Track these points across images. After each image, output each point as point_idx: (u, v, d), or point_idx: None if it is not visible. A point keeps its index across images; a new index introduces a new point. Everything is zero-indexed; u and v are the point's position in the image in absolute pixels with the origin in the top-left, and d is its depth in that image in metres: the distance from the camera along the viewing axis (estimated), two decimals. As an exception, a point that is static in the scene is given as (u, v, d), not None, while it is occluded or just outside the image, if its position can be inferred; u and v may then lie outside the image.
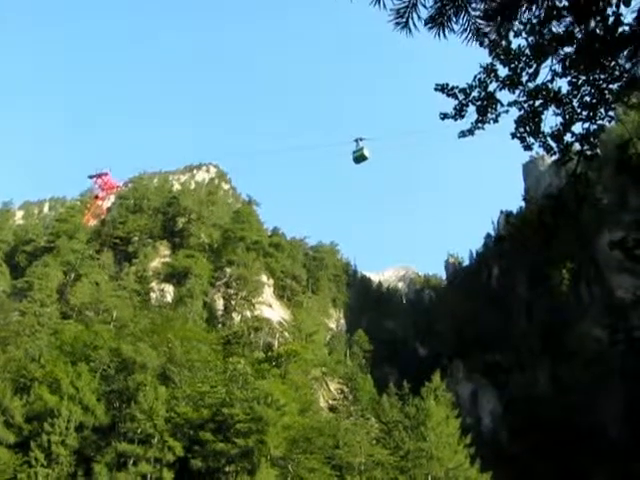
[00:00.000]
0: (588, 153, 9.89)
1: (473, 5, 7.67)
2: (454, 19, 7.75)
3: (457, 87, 9.70)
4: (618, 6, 7.67)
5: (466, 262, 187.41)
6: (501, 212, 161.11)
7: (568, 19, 8.34)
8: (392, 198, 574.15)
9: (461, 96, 9.72)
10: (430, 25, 7.66)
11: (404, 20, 7.38)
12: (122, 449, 58.99)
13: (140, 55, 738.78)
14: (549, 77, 9.38)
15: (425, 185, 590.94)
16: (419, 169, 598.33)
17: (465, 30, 7.95)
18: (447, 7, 7.62)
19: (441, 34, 7.79)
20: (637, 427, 79.47)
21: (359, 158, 52.98)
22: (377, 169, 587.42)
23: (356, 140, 52.92)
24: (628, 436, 78.69)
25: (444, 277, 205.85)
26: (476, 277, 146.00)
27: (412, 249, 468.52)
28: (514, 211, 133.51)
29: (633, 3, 7.58)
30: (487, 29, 8.06)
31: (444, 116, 9.96)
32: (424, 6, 7.15)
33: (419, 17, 7.42)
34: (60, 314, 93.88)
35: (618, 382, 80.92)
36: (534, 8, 7.76)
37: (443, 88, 9.76)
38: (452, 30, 7.85)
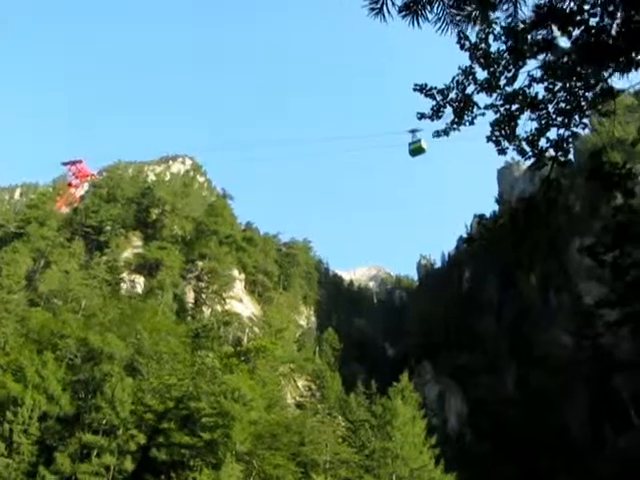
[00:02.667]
0: (561, 159, 10.01)
1: None
2: (428, 8, 7.74)
3: (435, 88, 9.75)
4: (602, 18, 7.78)
5: (438, 264, 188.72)
6: (474, 216, 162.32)
7: (551, 26, 8.43)
8: (366, 198, 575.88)
9: (439, 97, 9.77)
10: (404, 13, 7.63)
11: (378, 6, 7.35)
12: (86, 440, 58.36)
13: (119, 47, 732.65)
14: (527, 82, 9.48)
15: (400, 186, 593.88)
16: (394, 170, 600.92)
17: (439, 19, 7.95)
18: None
19: (415, 22, 7.77)
20: (600, 429, 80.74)
21: (416, 151, 50.17)
22: (352, 167, 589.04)
23: (412, 131, 49.70)
24: (591, 438, 79.91)
25: (416, 278, 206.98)
26: (447, 279, 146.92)
27: (385, 249, 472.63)
28: (487, 215, 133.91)
29: (617, 15, 7.69)
30: (459, 18, 8.07)
31: (421, 116, 10.02)
32: None
33: (393, 4, 7.39)
34: (28, 301, 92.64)
35: (583, 386, 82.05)
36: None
37: (422, 88, 9.81)
38: (426, 19, 7.83)
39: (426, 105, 9.89)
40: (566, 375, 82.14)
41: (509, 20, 7.93)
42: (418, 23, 7.77)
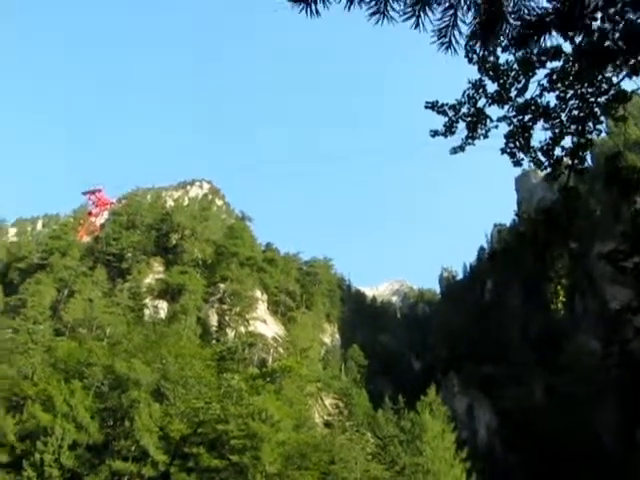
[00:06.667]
0: (578, 167, 9.91)
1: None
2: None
3: (447, 104, 9.73)
4: (603, 21, 7.72)
5: (460, 276, 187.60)
6: (494, 225, 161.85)
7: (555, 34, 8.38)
8: (386, 213, 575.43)
9: (451, 113, 9.75)
10: (472, 42, 7.47)
11: (447, 40, 7.18)
12: (116, 467, 58.50)
13: (134, 69, 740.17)
14: (537, 92, 9.42)
15: (420, 199, 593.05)
16: (414, 183, 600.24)
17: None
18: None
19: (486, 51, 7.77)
20: (631, 437, 79.46)
21: None
22: (369, 183, 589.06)
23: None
24: (623, 446, 78.63)
25: (438, 291, 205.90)
26: (470, 290, 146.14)
27: (406, 263, 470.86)
28: (507, 224, 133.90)
29: (617, 18, 7.63)
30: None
31: (434, 133, 9.98)
32: (463, 22, 6.93)
33: (460, 33, 7.22)
34: (53, 331, 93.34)
35: (613, 393, 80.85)
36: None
37: (433, 105, 9.80)
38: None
39: (437, 120, 9.89)
40: (595, 382, 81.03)
41: (515, 30, 7.86)
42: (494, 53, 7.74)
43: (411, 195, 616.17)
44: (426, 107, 9.81)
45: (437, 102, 9.78)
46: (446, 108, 9.73)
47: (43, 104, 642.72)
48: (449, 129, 9.85)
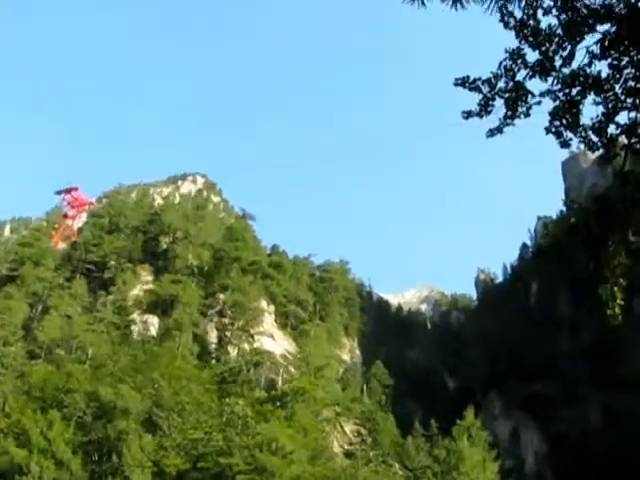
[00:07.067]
0: (636, 147, 9.82)
1: None
2: None
3: (480, 79, 9.63)
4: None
5: (499, 278, 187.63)
6: (538, 218, 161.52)
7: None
8: (410, 208, 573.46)
9: (485, 89, 9.65)
10: None
11: None
12: (103, 509, 58.79)
13: (119, 52, 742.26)
14: (586, 60, 9.33)
15: (448, 192, 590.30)
16: (439, 175, 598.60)
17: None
18: None
19: (456, 5, 7.71)
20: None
21: None
22: (391, 176, 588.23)
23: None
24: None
25: (474, 296, 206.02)
26: (512, 295, 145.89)
27: (436, 265, 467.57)
28: (553, 216, 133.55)
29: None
30: None
31: (467, 114, 9.90)
32: None
33: None
34: (27, 353, 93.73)
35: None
36: None
37: (464, 81, 9.70)
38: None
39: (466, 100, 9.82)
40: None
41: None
42: (462, 5, 7.71)
43: (439, 187, 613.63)
44: (456, 84, 9.71)
45: (468, 77, 9.69)
46: (479, 83, 9.62)
47: (9, 92, 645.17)
48: (484, 108, 9.76)
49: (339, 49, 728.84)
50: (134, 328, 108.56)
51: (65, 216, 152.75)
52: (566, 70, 9.46)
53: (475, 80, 9.61)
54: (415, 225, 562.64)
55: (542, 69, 9.46)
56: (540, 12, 8.87)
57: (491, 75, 9.55)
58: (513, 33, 9.25)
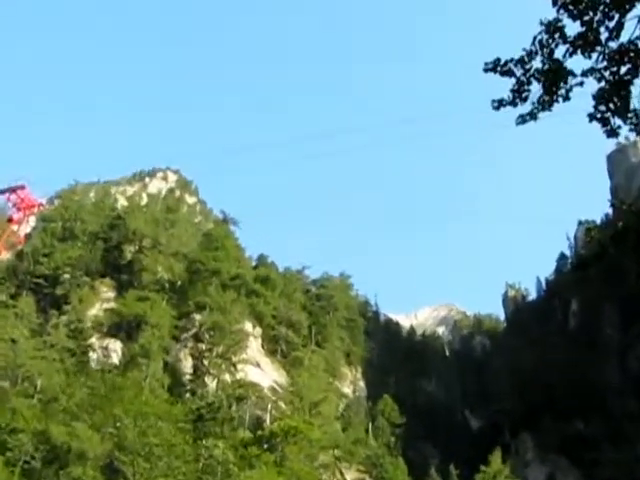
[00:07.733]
0: (699, 135, 9.82)
1: None
2: None
3: (512, 60, 9.53)
4: None
5: (532, 295, 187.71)
6: (580, 223, 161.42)
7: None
8: (424, 213, 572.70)
9: (519, 71, 9.55)
10: None
11: None
12: None
13: (79, 32, 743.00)
14: (637, 32, 9.30)
15: (470, 193, 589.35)
16: (458, 172, 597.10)
17: None
18: None
19: None
20: None
21: None
22: (400, 179, 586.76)
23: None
24: None
25: (502, 317, 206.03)
26: (547, 315, 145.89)
27: (455, 281, 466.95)
28: (597, 221, 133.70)
29: None
30: None
31: (499, 103, 9.86)
32: None
33: None
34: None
35: None
36: None
37: (495, 66, 9.62)
38: None
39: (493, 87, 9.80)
40: None
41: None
42: None
43: (459, 188, 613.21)
44: (486, 70, 9.68)
45: (499, 60, 9.60)
46: (512, 65, 9.51)
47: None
48: (519, 94, 9.67)
49: (339, 49, 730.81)
50: (92, 355, 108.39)
51: (10, 220, 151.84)
52: (613, 44, 9.44)
53: (507, 62, 9.53)
54: (430, 233, 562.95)
55: (584, 43, 9.43)
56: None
57: (524, 53, 9.44)
58: (549, 0, 9.24)
